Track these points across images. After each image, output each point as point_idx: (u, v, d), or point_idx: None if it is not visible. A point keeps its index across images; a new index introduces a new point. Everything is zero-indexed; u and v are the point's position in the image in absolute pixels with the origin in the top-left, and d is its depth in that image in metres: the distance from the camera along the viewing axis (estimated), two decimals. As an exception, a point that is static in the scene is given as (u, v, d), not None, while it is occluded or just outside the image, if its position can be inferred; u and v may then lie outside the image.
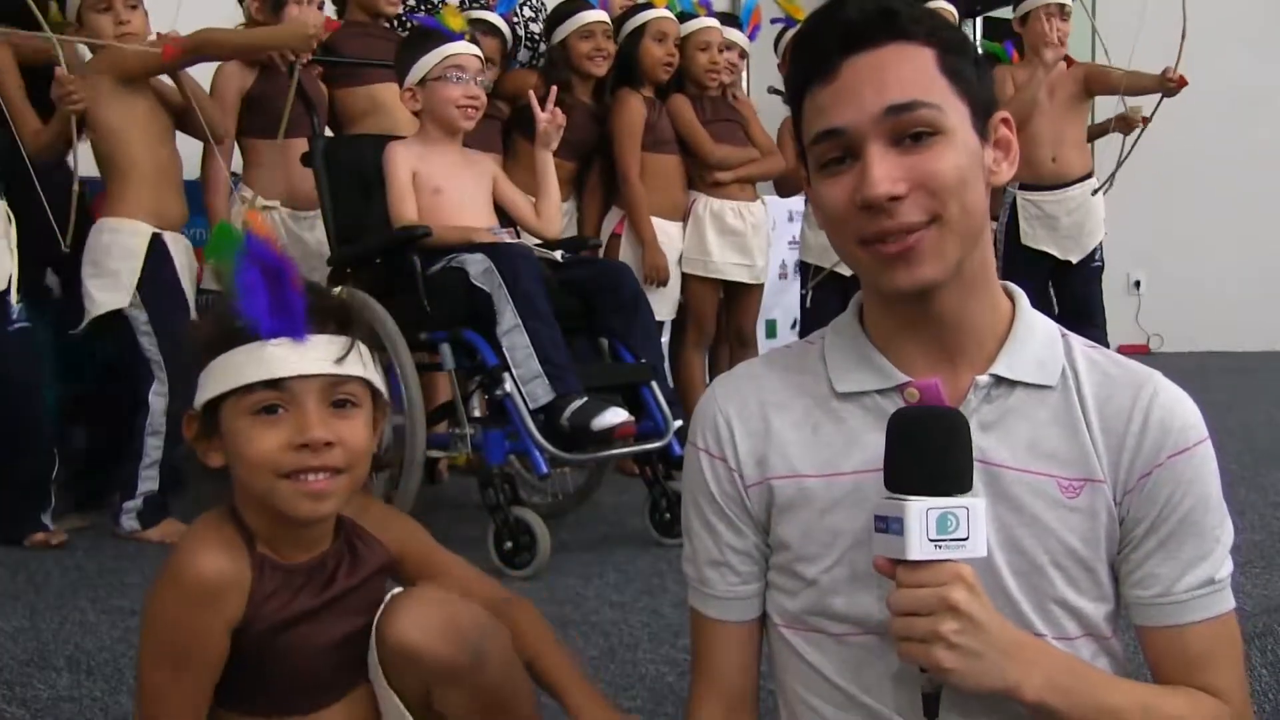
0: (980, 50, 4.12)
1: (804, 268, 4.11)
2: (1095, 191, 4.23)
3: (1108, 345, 4.12)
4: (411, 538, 1.39)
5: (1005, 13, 7.16)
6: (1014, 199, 4.19)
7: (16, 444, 2.94)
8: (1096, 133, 4.51)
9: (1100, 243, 4.29)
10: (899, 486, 1.05)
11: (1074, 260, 4.21)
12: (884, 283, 1.12)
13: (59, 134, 2.94)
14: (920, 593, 1.04)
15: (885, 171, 1.08)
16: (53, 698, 1.85)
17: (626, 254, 3.72)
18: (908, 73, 1.09)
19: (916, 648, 1.05)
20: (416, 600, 1.27)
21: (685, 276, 3.88)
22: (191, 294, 3.13)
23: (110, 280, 2.98)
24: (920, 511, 1.02)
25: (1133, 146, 4.17)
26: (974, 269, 1.14)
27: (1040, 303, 4.19)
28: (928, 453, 1.05)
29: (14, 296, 2.89)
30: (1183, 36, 3.92)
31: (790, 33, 4.14)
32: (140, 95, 3.03)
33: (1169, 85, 4.13)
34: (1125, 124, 4.22)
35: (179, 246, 3.10)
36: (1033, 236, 4.17)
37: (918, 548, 1.02)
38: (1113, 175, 4.23)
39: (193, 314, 3.17)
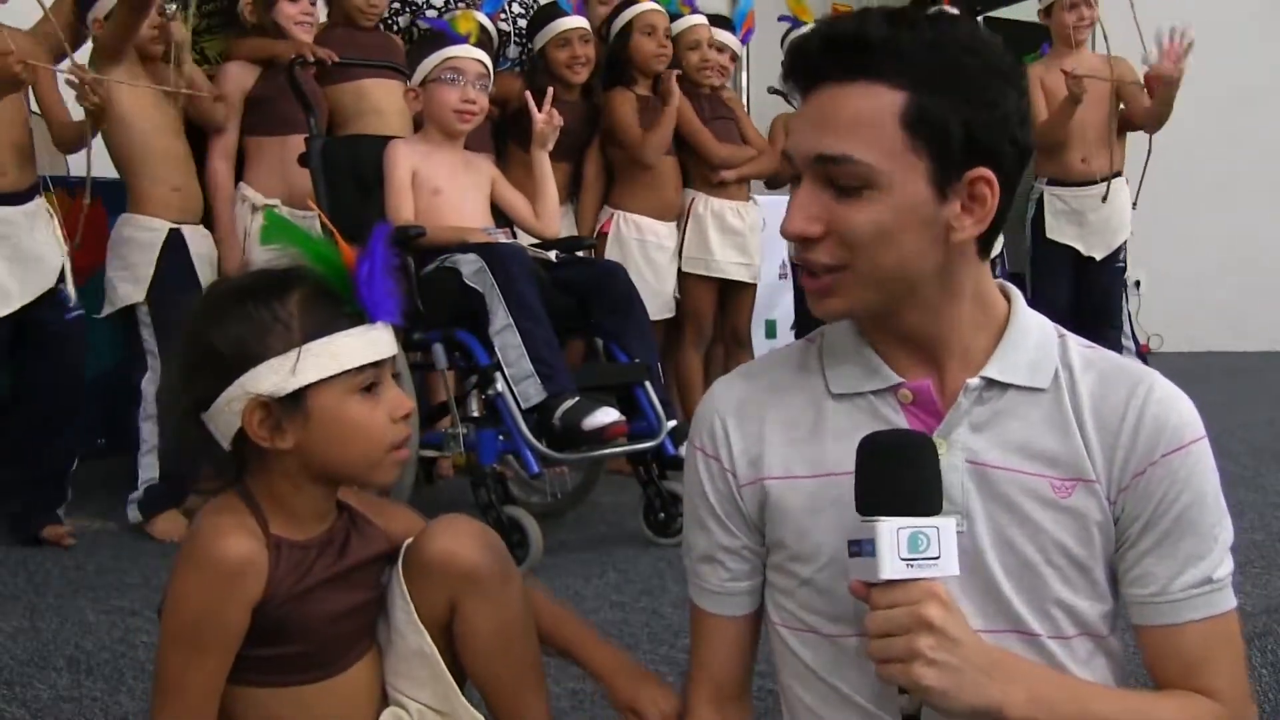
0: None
1: (794, 266, 4.13)
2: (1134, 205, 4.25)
3: (1120, 350, 4.06)
4: (414, 524, 1.41)
5: (1006, 12, 7.17)
6: (1041, 194, 4.13)
7: (49, 432, 2.97)
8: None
9: (1124, 243, 4.23)
10: (870, 509, 1.06)
11: (1098, 257, 4.16)
12: (809, 307, 1.16)
13: (81, 130, 2.95)
14: (895, 612, 1.03)
15: (804, 211, 1.10)
16: (53, 698, 1.85)
17: (614, 252, 3.72)
18: (856, 119, 1.07)
19: (895, 668, 1.04)
20: (450, 520, 1.35)
21: (684, 276, 3.88)
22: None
23: (130, 274, 3.06)
24: (891, 530, 1.03)
25: (1147, 161, 4.17)
26: (929, 297, 1.14)
27: (1068, 297, 4.12)
28: (896, 474, 1.06)
29: (69, 286, 2.95)
30: (1139, 35, 3.91)
31: (795, 33, 4.14)
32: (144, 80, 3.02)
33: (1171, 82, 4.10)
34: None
35: (198, 237, 3.17)
36: (1058, 230, 4.12)
37: (890, 567, 1.03)
38: (1139, 186, 4.24)
39: None
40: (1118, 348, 4.06)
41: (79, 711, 1.80)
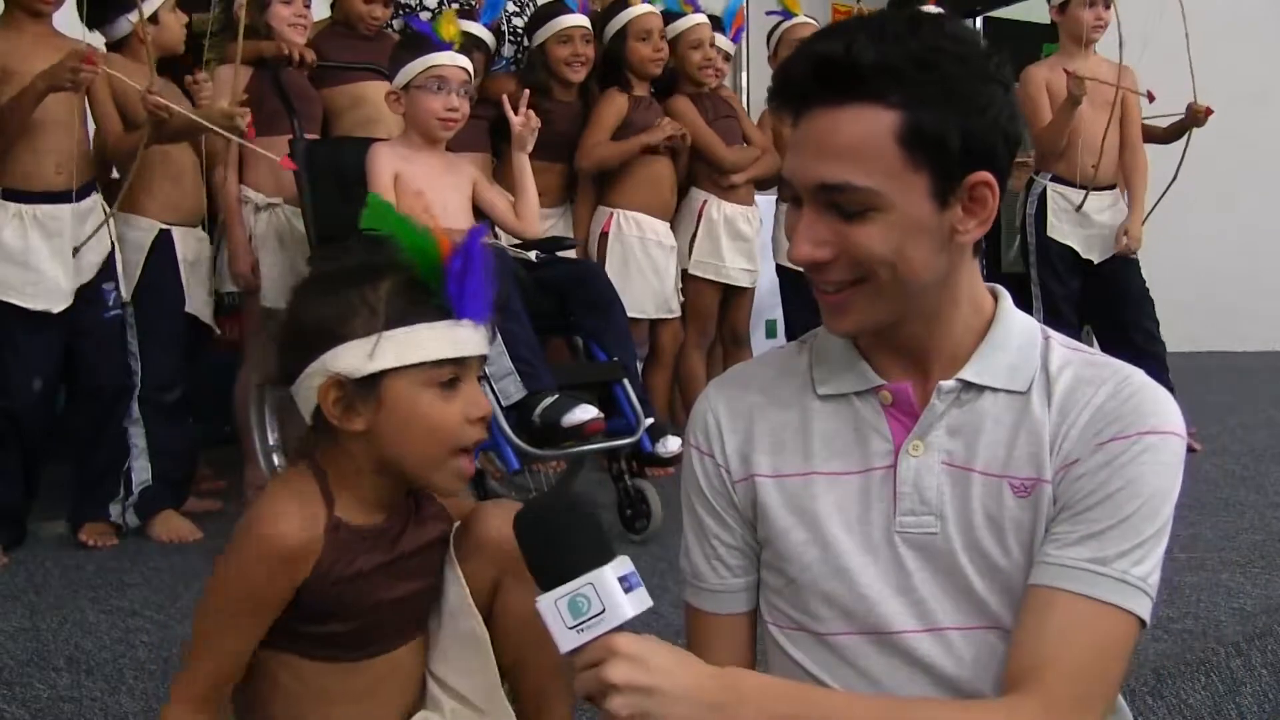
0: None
1: (780, 270, 4.09)
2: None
3: (1162, 343, 3.97)
4: (468, 506, 1.43)
5: (1005, 13, 7.18)
6: (1044, 190, 4.06)
7: (99, 432, 2.99)
8: (1167, 136, 4.28)
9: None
10: (539, 590, 1.05)
11: (1095, 260, 4.05)
12: (823, 322, 1.16)
13: (139, 140, 2.94)
14: (584, 678, 1.03)
15: (811, 236, 1.09)
16: (53, 698, 1.85)
17: (615, 251, 3.73)
18: (852, 144, 1.06)
19: None
20: (503, 503, 1.38)
21: (691, 277, 3.90)
22: (205, 287, 3.20)
23: (127, 272, 3.06)
24: (550, 607, 1.03)
25: (1177, 173, 4.12)
26: (933, 303, 1.14)
27: (1078, 295, 4.03)
28: (535, 551, 1.06)
29: (121, 285, 2.98)
30: (1188, 49, 3.87)
31: (785, 25, 4.13)
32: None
33: (1197, 118, 4.06)
34: (1192, 118, 4.08)
35: (188, 241, 3.17)
36: (1059, 230, 4.01)
37: (564, 640, 1.03)
38: (1162, 194, 4.18)
39: (200, 309, 3.21)
40: (1156, 343, 3.97)
41: (79, 711, 1.80)
